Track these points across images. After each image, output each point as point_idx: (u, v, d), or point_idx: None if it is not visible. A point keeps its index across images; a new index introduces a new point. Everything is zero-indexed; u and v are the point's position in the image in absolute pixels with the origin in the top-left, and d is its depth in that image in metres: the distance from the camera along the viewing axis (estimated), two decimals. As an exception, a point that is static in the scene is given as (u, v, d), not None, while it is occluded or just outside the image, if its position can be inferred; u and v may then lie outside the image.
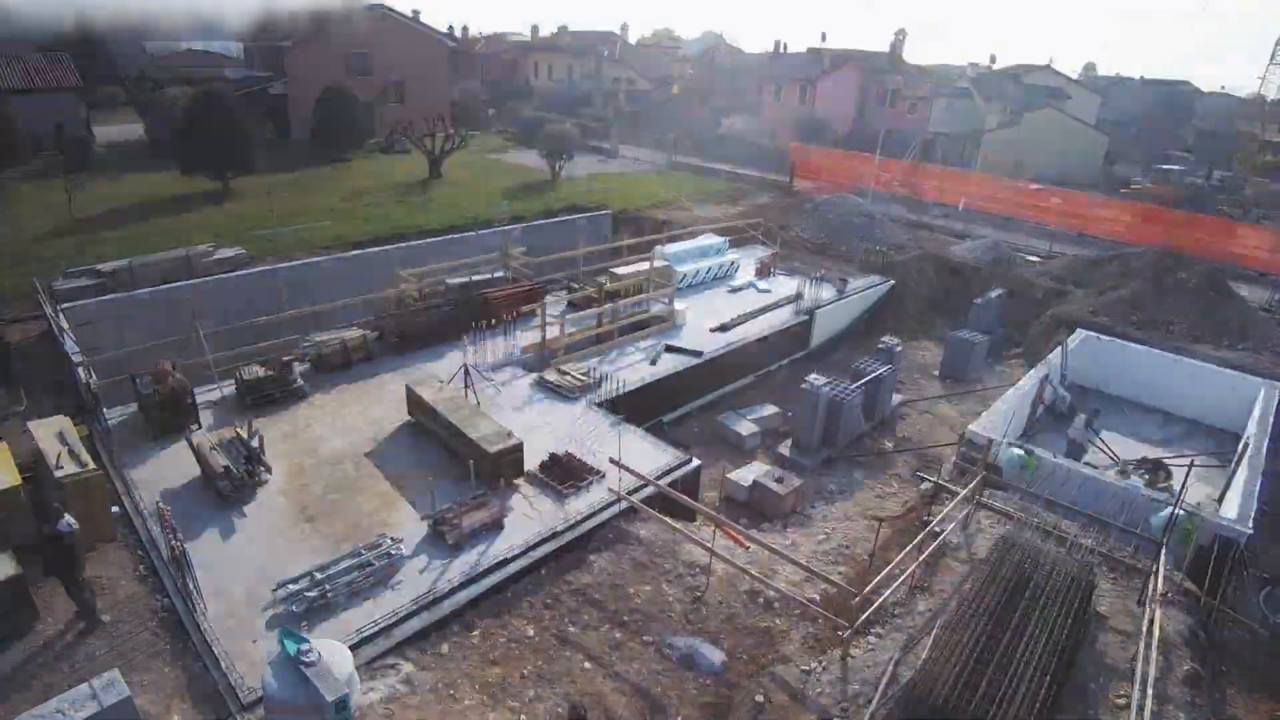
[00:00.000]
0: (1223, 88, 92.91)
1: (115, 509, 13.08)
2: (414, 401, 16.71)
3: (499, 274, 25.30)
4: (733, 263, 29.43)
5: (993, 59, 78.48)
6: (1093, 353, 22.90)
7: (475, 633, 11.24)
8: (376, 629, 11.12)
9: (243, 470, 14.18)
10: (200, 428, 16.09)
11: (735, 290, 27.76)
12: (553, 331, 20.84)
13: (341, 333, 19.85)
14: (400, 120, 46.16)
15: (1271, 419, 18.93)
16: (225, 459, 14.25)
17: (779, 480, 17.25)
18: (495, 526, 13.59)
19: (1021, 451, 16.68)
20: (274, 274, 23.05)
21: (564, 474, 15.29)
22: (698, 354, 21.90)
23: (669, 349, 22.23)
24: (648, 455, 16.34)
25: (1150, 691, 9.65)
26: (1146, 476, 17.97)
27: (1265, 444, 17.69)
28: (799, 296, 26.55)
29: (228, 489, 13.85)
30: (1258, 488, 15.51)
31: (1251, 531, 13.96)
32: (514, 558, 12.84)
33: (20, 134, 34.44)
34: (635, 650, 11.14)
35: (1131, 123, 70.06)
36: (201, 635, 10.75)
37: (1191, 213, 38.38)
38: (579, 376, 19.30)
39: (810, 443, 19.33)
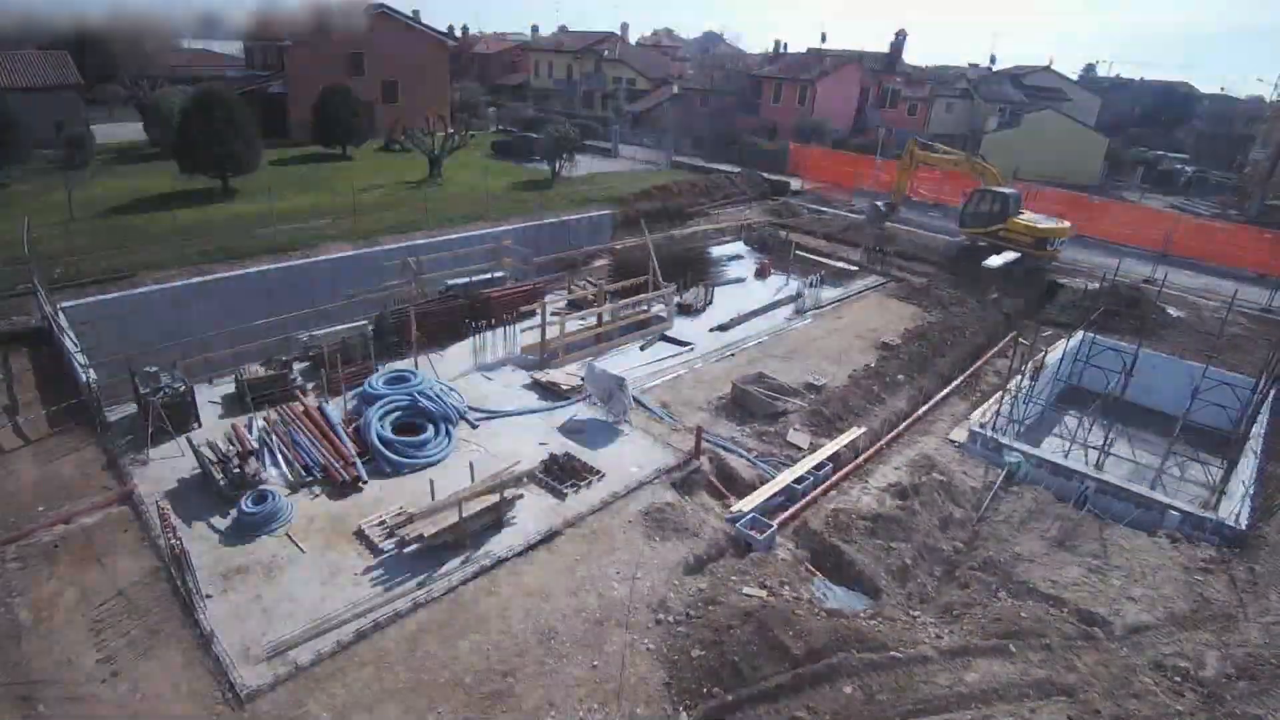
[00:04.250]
0: (1221, 89, 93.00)
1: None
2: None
3: (499, 274, 25.32)
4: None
5: (992, 60, 78.42)
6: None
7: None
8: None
9: (241, 469, 14.22)
10: (200, 427, 16.12)
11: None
12: (552, 331, 20.88)
13: (342, 332, 19.85)
14: (400, 119, 46.21)
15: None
16: (224, 458, 14.30)
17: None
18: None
19: (1020, 456, 16.80)
20: (273, 273, 23.07)
21: (564, 473, 15.34)
22: (689, 345, 22.33)
23: (664, 338, 22.59)
24: (650, 454, 16.38)
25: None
26: None
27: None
28: (798, 297, 26.60)
29: (227, 488, 13.89)
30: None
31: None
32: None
33: (20, 132, 34.39)
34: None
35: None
36: (200, 631, 10.78)
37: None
38: (578, 376, 19.32)
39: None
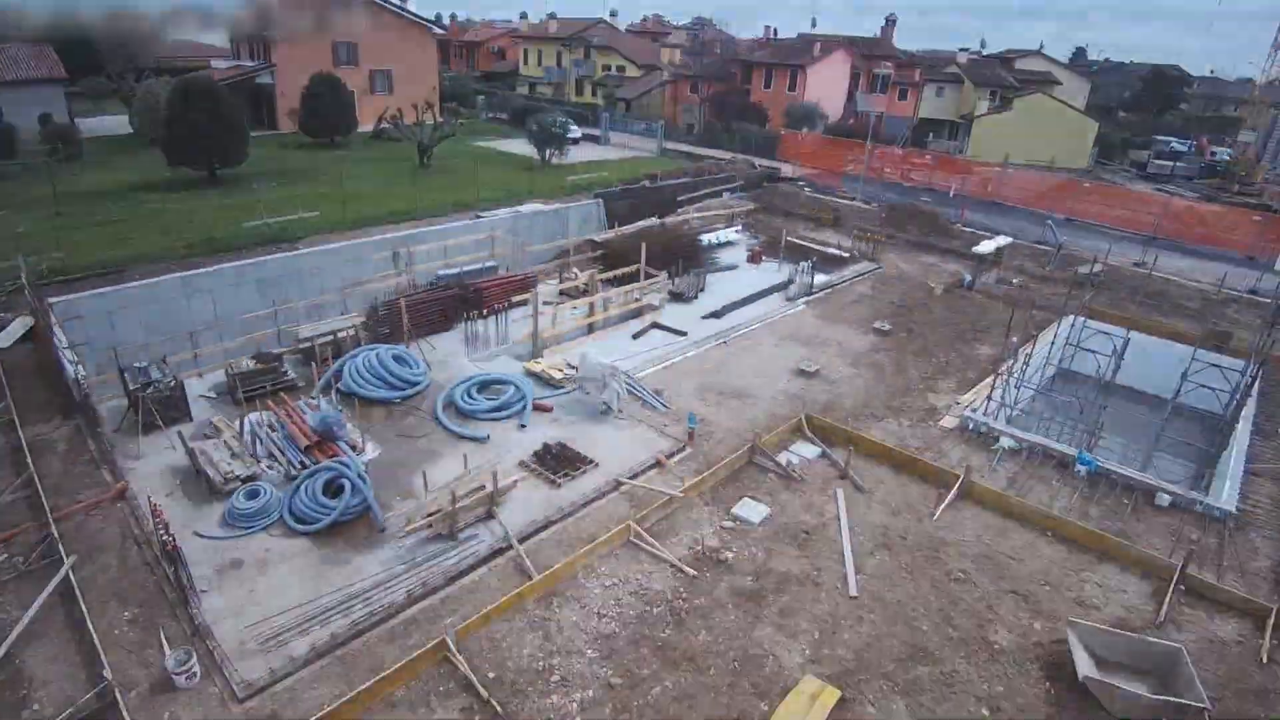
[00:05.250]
0: (1211, 71, 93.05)
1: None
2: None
3: (490, 264, 25.26)
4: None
5: (983, 44, 78.22)
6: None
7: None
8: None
9: (233, 464, 14.19)
10: (191, 421, 16.06)
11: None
12: (544, 320, 20.85)
13: (333, 324, 19.79)
14: (389, 109, 45.85)
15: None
16: (216, 453, 14.26)
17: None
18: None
19: (1011, 440, 16.87)
20: (262, 265, 22.93)
21: (557, 463, 15.34)
22: (682, 333, 22.25)
23: (655, 326, 22.56)
24: (644, 442, 16.40)
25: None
26: None
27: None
28: (789, 283, 26.60)
29: (219, 483, 13.85)
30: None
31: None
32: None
33: (5, 127, 34.09)
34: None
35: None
36: (195, 626, 10.79)
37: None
38: (571, 366, 19.29)
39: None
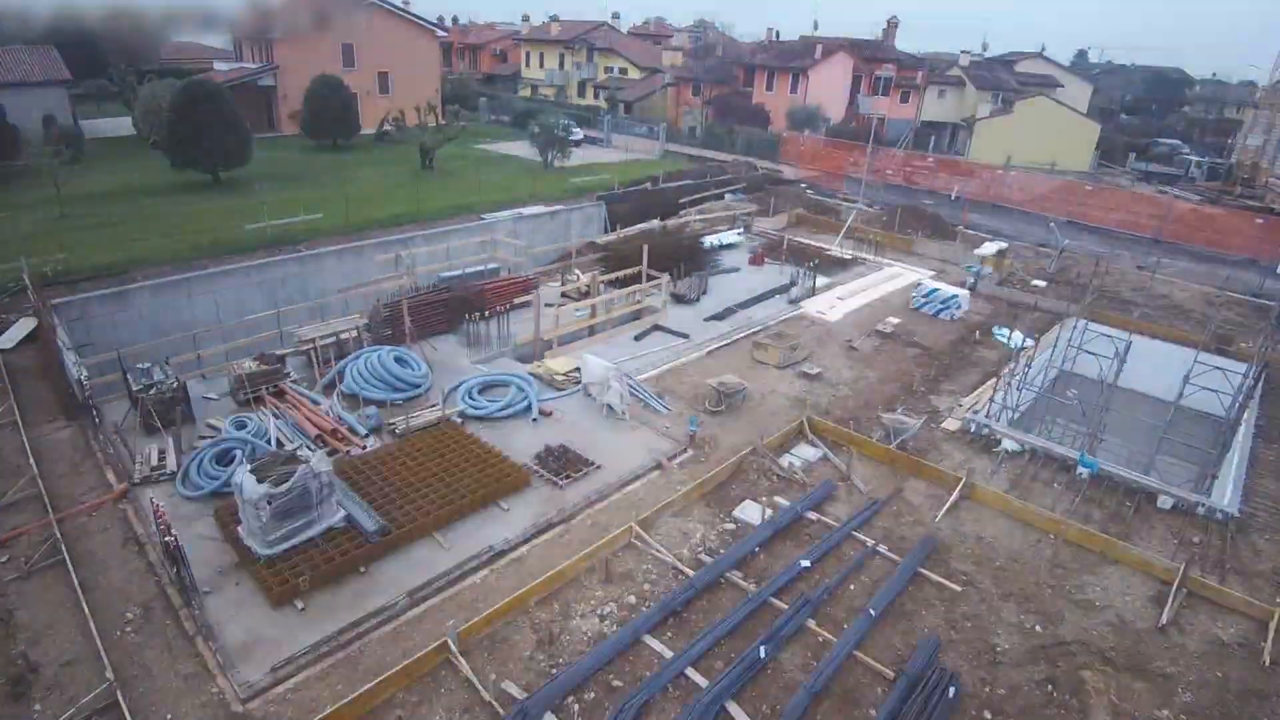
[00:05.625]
0: (1214, 75, 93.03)
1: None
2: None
3: (492, 266, 25.29)
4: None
5: (985, 47, 78.22)
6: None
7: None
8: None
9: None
10: (194, 423, 16.07)
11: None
12: (547, 323, 20.86)
13: (335, 326, 19.80)
14: (391, 111, 45.99)
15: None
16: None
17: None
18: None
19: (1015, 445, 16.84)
20: (265, 267, 22.98)
21: (560, 465, 15.34)
22: (684, 336, 22.28)
23: (657, 328, 22.55)
24: (646, 445, 16.40)
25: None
26: None
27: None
28: (792, 285, 26.59)
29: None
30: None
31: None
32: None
33: (8, 128, 34.19)
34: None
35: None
36: (197, 627, 10.79)
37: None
38: (573, 369, 19.29)
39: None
